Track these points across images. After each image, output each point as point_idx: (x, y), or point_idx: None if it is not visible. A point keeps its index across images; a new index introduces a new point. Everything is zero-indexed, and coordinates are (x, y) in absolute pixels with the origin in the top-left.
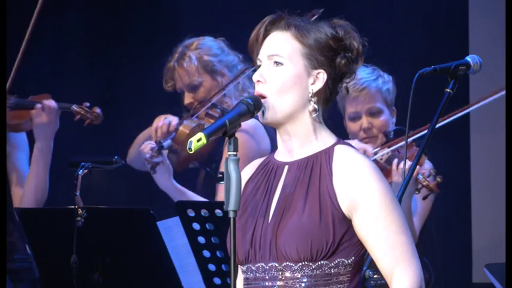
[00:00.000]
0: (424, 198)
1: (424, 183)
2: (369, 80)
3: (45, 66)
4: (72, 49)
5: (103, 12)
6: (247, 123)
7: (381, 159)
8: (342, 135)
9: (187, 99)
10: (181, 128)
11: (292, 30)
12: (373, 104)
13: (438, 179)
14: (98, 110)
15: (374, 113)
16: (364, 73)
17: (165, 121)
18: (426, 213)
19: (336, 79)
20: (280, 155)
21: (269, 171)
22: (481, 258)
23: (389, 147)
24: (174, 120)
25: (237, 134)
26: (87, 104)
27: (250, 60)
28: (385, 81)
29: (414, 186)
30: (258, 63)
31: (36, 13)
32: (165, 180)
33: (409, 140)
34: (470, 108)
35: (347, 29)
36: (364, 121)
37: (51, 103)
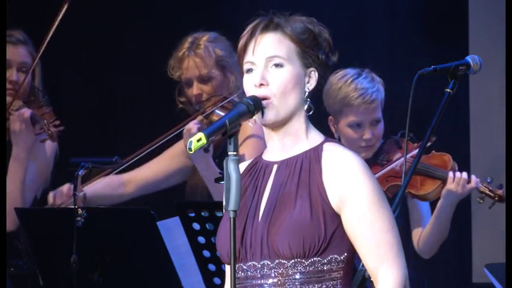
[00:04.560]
0: (491, 207)
1: (488, 192)
2: (375, 91)
3: (44, 66)
4: (72, 49)
5: (102, 12)
6: (259, 127)
7: (400, 166)
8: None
9: (196, 89)
10: (213, 117)
11: (284, 30)
12: (376, 115)
13: (497, 185)
14: (52, 128)
15: (376, 122)
16: (365, 81)
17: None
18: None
19: (322, 76)
20: (269, 155)
21: (257, 171)
22: (481, 258)
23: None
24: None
25: (251, 139)
26: (57, 122)
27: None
28: (383, 89)
29: (467, 195)
30: (250, 66)
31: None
32: (207, 158)
33: (413, 153)
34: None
35: (316, 24)
36: (368, 131)
37: (25, 112)
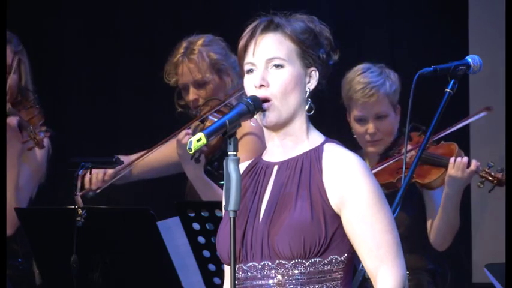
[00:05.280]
0: (490, 191)
1: (488, 177)
2: (377, 85)
3: (43, 66)
4: (71, 50)
5: (101, 11)
6: (255, 125)
7: (410, 158)
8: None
9: (193, 95)
10: (207, 123)
11: (284, 30)
12: (380, 109)
13: (498, 169)
14: (40, 134)
15: (381, 117)
16: (371, 75)
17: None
18: None
19: (323, 75)
20: (270, 156)
21: (258, 172)
22: (481, 258)
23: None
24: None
25: (247, 137)
26: (43, 127)
27: None
28: (392, 83)
29: (469, 180)
30: (250, 67)
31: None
32: (197, 169)
33: (438, 137)
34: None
35: (317, 22)
36: (371, 126)
37: (11, 121)
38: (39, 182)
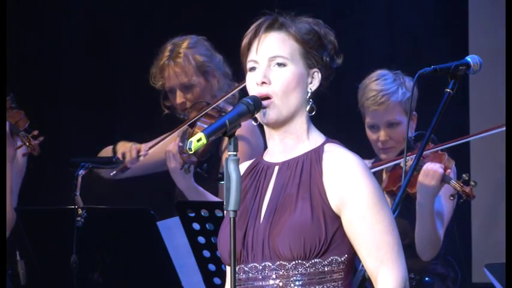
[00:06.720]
0: (463, 203)
1: (459, 189)
2: (389, 93)
3: (42, 68)
4: (70, 51)
5: (97, 15)
6: (245, 123)
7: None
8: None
9: (180, 98)
10: (196, 129)
11: (288, 30)
12: (391, 117)
13: (472, 183)
14: (34, 141)
15: (392, 125)
16: (384, 82)
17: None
18: (450, 214)
19: (326, 77)
20: (270, 156)
21: (259, 173)
22: (481, 258)
23: (413, 154)
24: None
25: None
26: (35, 132)
27: (230, 61)
28: (406, 90)
29: (439, 189)
30: (253, 64)
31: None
32: (187, 179)
33: (437, 149)
34: (472, 138)
35: (322, 26)
36: (382, 133)
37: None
38: (21, 182)
